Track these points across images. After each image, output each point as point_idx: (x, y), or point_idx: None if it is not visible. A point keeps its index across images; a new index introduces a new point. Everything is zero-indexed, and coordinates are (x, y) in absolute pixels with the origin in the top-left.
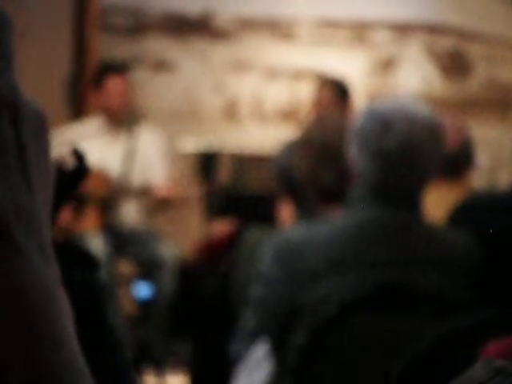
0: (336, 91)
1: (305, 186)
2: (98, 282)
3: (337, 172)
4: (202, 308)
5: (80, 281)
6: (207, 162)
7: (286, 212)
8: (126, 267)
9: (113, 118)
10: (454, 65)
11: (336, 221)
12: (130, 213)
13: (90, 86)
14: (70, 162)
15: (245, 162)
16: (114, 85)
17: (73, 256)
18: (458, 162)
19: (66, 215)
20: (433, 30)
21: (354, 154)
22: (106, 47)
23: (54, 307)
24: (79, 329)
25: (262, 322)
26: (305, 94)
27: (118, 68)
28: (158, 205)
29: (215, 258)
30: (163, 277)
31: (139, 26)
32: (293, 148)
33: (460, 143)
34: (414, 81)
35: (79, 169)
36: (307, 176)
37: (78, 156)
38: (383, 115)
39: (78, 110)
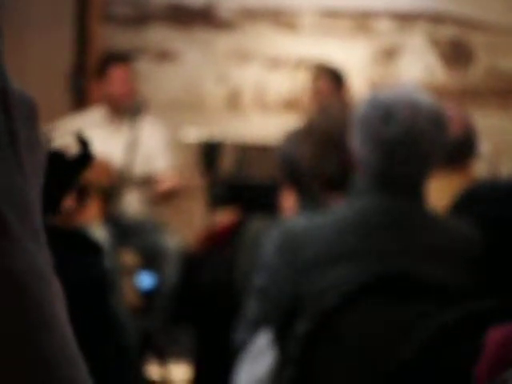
0: (332, 79)
1: (308, 175)
2: (102, 267)
3: (340, 161)
4: (205, 297)
5: (84, 266)
6: (210, 152)
7: (288, 201)
8: (128, 257)
9: (116, 108)
10: (456, 54)
11: (338, 210)
12: (132, 203)
13: (94, 75)
14: (74, 150)
15: (248, 152)
16: (117, 74)
17: (77, 243)
18: (461, 150)
19: (69, 204)
20: (435, 19)
21: (357, 143)
22: (109, 38)
23: (47, 292)
24: (82, 313)
25: (265, 311)
26: (307, 83)
27: (121, 57)
28: (161, 195)
29: (218, 248)
30: (166, 267)
31: (142, 16)
32: (296, 137)
33: (462, 132)
34: (417, 70)
35: (83, 155)
36: (310, 165)
37: (83, 143)
38: (385, 104)
39: (80, 100)
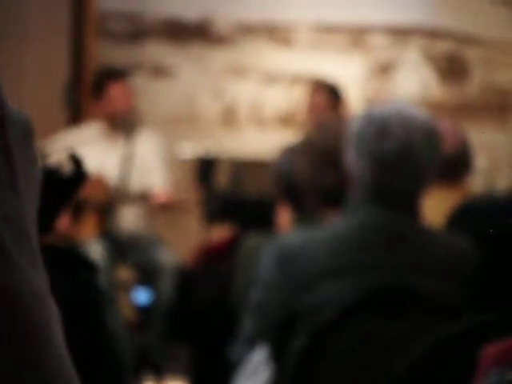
0: (329, 95)
1: (304, 190)
2: (97, 286)
3: (336, 177)
4: (201, 313)
5: (79, 285)
6: (206, 168)
7: (284, 217)
8: (125, 273)
9: (112, 124)
10: (452, 69)
11: (334, 226)
12: (128, 218)
13: (91, 92)
14: (68, 168)
15: (243, 168)
16: (115, 92)
17: (72, 261)
18: (456, 165)
19: (64, 221)
20: (430, 34)
21: (352, 159)
22: (105, 53)
23: (43, 312)
24: (78, 332)
25: (261, 327)
26: (303, 99)
27: (119, 74)
28: (157, 210)
29: (214, 264)
30: (162, 282)
31: (137, 31)
32: (292, 153)
33: (458, 147)
34: (412, 85)
35: (77, 174)
36: (307, 181)
37: (76, 161)
38: (381, 120)
39: (76, 115)
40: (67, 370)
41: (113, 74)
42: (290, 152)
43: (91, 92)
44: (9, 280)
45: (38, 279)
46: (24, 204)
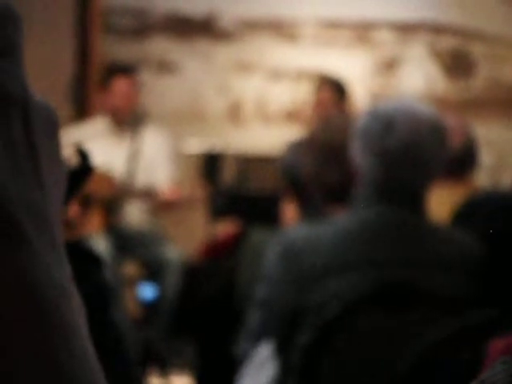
0: (335, 91)
1: (310, 186)
2: (103, 280)
3: (342, 172)
4: (207, 309)
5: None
6: (211, 163)
7: (289, 212)
8: (130, 269)
9: (118, 119)
10: (457, 64)
11: (340, 221)
12: (134, 214)
13: (97, 86)
14: (74, 162)
15: (249, 163)
16: (120, 86)
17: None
18: (462, 161)
19: (74, 208)
20: (436, 29)
21: (357, 154)
22: (109, 49)
23: (65, 305)
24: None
25: (267, 322)
26: (308, 94)
27: (126, 69)
28: (163, 206)
29: (219, 259)
30: (167, 278)
31: (142, 27)
32: (298, 148)
33: (463, 143)
34: (417, 81)
35: (83, 168)
36: (313, 176)
37: (82, 155)
38: (386, 115)
39: (81, 111)
40: (90, 364)
41: (120, 69)
42: (296, 147)
43: (98, 85)
44: (30, 271)
45: (61, 271)
46: (48, 197)
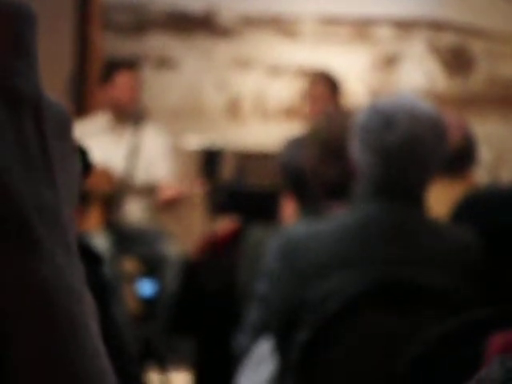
0: (327, 85)
1: (310, 182)
2: (102, 277)
3: (342, 169)
4: (205, 305)
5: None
6: (210, 160)
7: (288, 209)
8: (129, 265)
9: (119, 114)
10: (457, 61)
11: (339, 217)
12: (133, 210)
13: (98, 81)
14: None
15: (248, 160)
16: (124, 80)
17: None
18: (461, 158)
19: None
20: (435, 26)
21: (357, 151)
22: (109, 45)
23: (77, 305)
24: None
25: (266, 318)
26: (303, 90)
27: (128, 64)
28: (163, 203)
29: (219, 256)
30: (167, 274)
31: (142, 23)
32: (297, 144)
33: (462, 140)
34: (417, 77)
35: (83, 165)
36: (312, 172)
37: (82, 153)
38: (386, 112)
39: (80, 107)
40: (102, 365)
41: (122, 64)
42: (295, 144)
43: (100, 80)
44: (41, 272)
45: (73, 272)
46: (60, 196)
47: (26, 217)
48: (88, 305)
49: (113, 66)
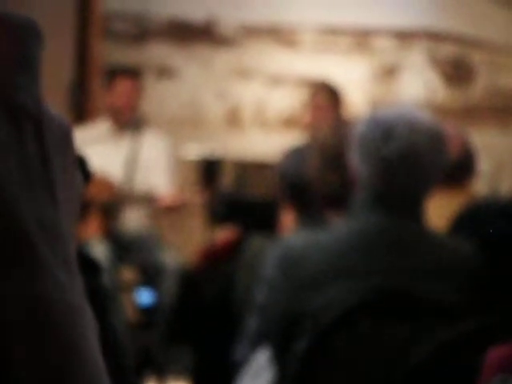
0: (330, 96)
1: (309, 192)
2: (100, 287)
3: (341, 179)
4: (204, 314)
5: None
6: (210, 169)
7: (287, 219)
8: (128, 274)
9: (119, 120)
10: (457, 72)
11: (338, 228)
12: (132, 219)
13: (100, 89)
14: None
15: (247, 169)
16: (124, 86)
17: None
18: (460, 169)
19: None
20: (435, 37)
21: (356, 162)
22: (109, 54)
23: (77, 323)
24: None
25: (265, 328)
26: (305, 101)
27: (130, 72)
28: (163, 212)
29: (218, 265)
30: (166, 283)
31: (142, 32)
32: (297, 154)
33: (461, 151)
34: (417, 88)
35: (82, 174)
36: (312, 182)
37: (80, 161)
38: (385, 123)
39: (80, 116)
40: (102, 380)
41: (124, 71)
42: (294, 154)
43: (102, 88)
44: (41, 288)
45: (73, 287)
46: (61, 211)
47: (26, 233)
48: (88, 320)
49: (115, 72)
